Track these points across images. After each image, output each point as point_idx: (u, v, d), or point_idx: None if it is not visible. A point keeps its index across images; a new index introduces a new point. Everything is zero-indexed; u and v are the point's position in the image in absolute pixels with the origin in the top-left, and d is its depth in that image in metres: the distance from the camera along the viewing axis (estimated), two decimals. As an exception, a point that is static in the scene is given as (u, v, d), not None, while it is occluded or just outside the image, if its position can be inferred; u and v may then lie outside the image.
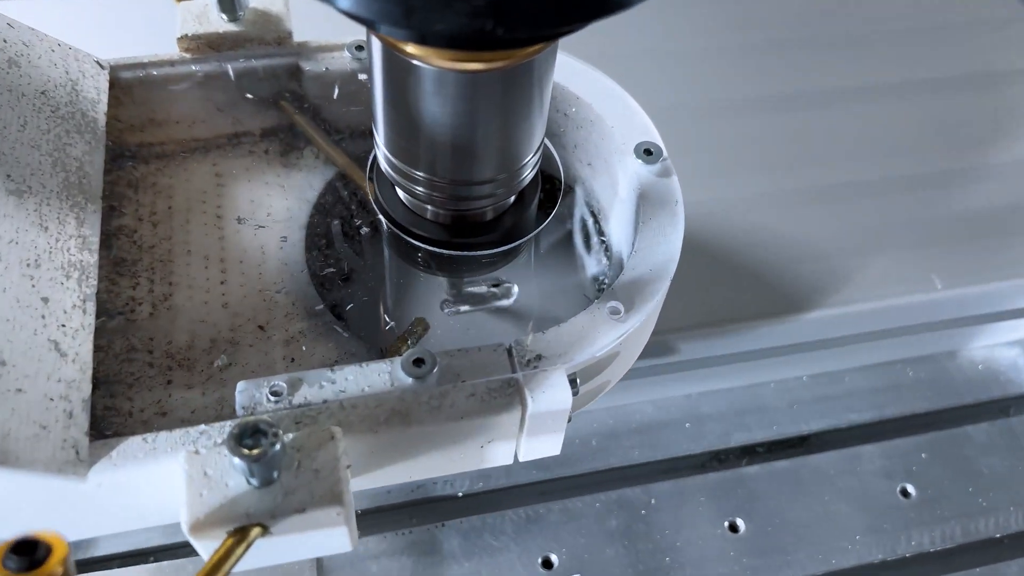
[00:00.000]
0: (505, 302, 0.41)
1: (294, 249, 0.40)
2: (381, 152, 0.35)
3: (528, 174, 0.36)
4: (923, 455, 0.53)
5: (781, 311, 0.50)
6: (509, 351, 0.33)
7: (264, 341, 0.36)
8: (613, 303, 0.34)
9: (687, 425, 0.54)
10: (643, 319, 0.35)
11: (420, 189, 0.35)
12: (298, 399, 0.30)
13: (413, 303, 0.42)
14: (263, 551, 0.28)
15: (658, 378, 0.52)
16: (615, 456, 0.52)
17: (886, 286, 0.51)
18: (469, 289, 0.41)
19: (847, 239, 0.53)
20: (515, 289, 0.41)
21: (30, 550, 0.21)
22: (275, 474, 0.27)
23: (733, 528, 0.50)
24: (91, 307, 0.32)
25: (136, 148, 0.42)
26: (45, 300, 0.30)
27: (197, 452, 0.28)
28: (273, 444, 0.26)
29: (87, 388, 0.30)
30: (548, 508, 0.49)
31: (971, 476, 0.52)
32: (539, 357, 0.33)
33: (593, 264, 0.43)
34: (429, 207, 0.37)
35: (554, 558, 0.48)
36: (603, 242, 0.44)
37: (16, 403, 0.27)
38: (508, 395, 0.31)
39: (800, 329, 0.51)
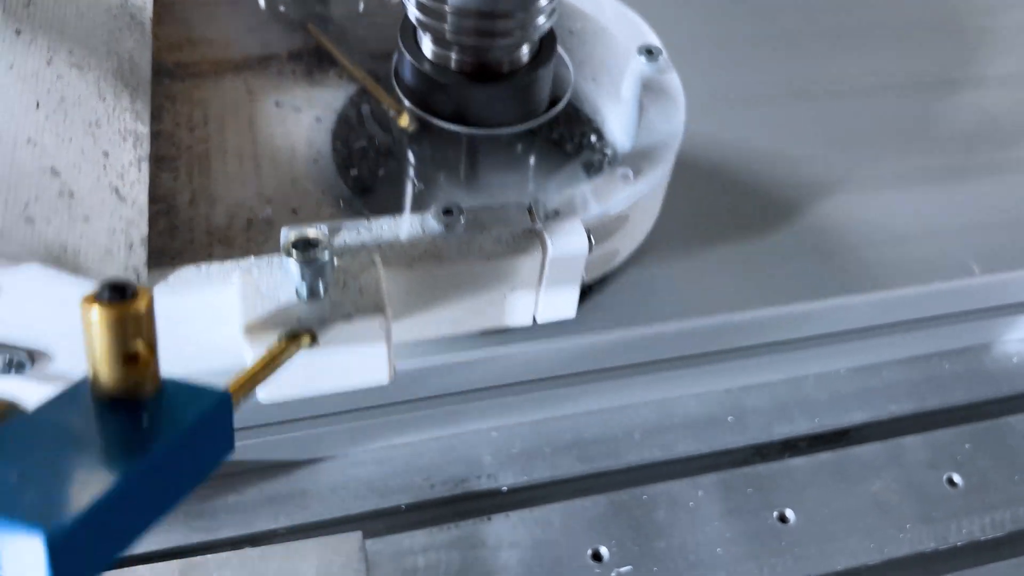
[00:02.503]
0: None
1: (323, 144, 0.44)
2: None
3: (545, 21, 0.41)
4: (967, 445, 0.53)
5: (819, 295, 0.50)
6: (529, 208, 0.37)
7: (297, 223, 0.38)
8: (623, 169, 0.39)
9: (730, 419, 0.53)
10: (652, 184, 0.39)
11: (447, 26, 0.39)
12: (338, 242, 0.34)
13: (434, 197, 0.45)
14: (309, 370, 0.30)
15: (699, 370, 0.52)
16: (659, 450, 0.51)
17: (923, 272, 0.51)
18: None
19: (882, 225, 0.53)
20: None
21: (121, 292, 0.22)
22: (322, 289, 0.30)
23: (783, 519, 0.49)
24: (145, 167, 0.35)
25: (173, 67, 0.46)
26: (106, 154, 0.33)
27: (251, 272, 0.31)
28: (323, 252, 0.29)
29: (144, 228, 0.32)
30: (595, 501, 0.48)
31: (1017, 465, 0.52)
32: (556, 212, 0.37)
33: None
34: (453, 56, 0.41)
35: (604, 551, 0.46)
36: (605, 154, 0.47)
37: (84, 230, 0.30)
38: (530, 240, 0.35)
39: (838, 314, 0.51)
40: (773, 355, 0.53)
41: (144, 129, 0.36)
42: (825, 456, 0.52)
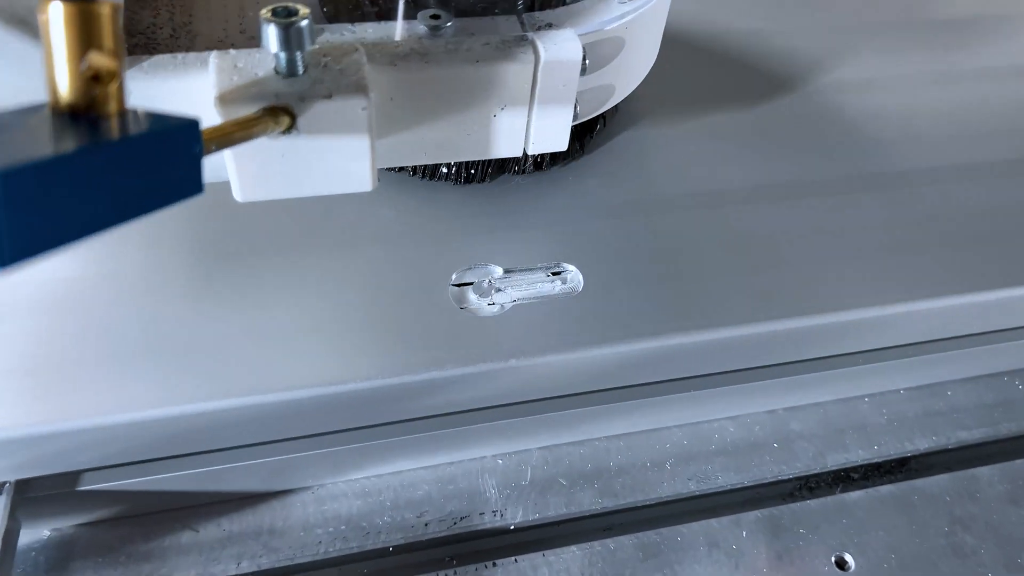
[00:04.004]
0: None
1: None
2: None
3: None
4: (1052, 478, 0.45)
5: (873, 302, 0.43)
6: (519, 16, 0.36)
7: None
8: None
9: (775, 445, 0.46)
10: (648, 7, 0.38)
11: None
12: (321, 39, 0.33)
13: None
14: (287, 165, 0.30)
15: (738, 389, 0.45)
16: (694, 481, 0.44)
17: (983, 278, 0.44)
18: None
19: (941, 229, 0.46)
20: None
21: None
22: (301, 65, 0.29)
23: (841, 564, 0.41)
24: None
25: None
26: None
27: (227, 53, 0.30)
28: (303, 21, 0.28)
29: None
30: (619, 543, 0.41)
31: (1112, 501, 0.44)
32: (549, 25, 0.36)
33: None
34: None
35: (631, 604, 0.39)
36: None
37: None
38: (521, 46, 0.33)
39: (897, 324, 0.43)
40: (822, 372, 0.46)
41: None
42: (886, 490, 0.45)
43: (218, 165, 0.31)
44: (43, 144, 0.20)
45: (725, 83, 0.55)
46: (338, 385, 0.36)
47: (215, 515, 0.40)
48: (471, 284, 0.40)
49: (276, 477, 0.40)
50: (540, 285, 0.40)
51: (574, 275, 0.41)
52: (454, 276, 0.40)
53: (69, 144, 0.20)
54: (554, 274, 0.41)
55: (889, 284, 0.42)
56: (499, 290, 0.40)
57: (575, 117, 0.37)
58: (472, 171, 0.44)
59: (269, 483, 0.41)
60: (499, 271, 0.40)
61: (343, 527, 0.40)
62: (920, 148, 0.51)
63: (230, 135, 0.26)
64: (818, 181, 0.48)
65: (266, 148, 0.30)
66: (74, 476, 0.37)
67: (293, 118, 0.29)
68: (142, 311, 0.37)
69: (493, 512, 0.41)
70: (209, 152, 0.24)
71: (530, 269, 0.41)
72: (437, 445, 0.42)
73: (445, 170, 0.44)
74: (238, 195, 0.32)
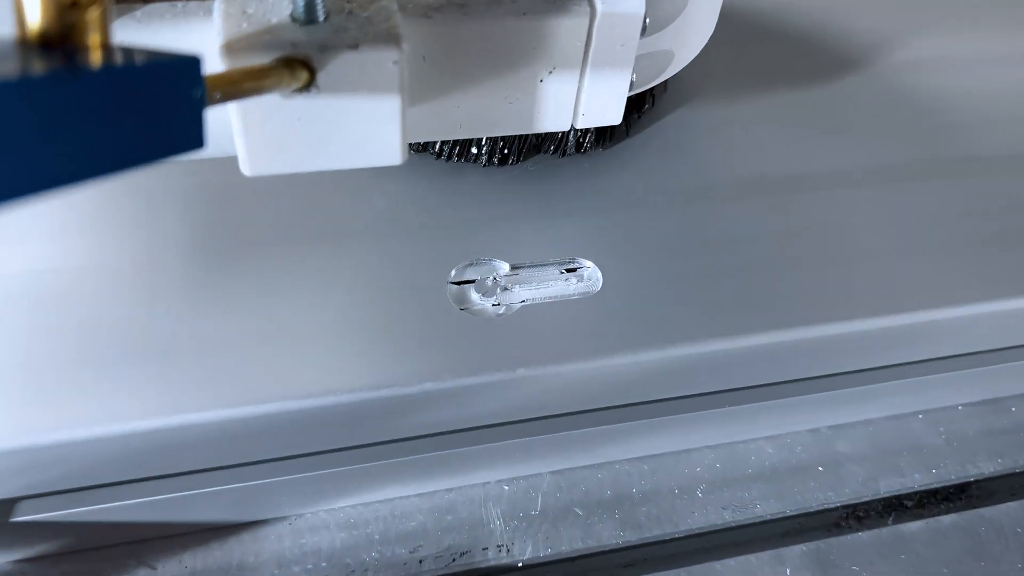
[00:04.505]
0: None
1: None
2: None
3: None
4: None
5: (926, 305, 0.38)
6: None
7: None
8: None
9: (820, 468, 0.40)
10: None
11: None
12: None
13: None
14: (305, 131, 0.26)
15: (777, 404, 0.39)
16: (729, 511, 0.38)
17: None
18: None
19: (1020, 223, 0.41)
20: None
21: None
22: (322, 14, 0.26)
23: (902, 609, 0.36)
24: None
25: None
26: None
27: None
28: None
29: None
30: (644, 583, 0.35)
31: None
32: None
33: None
34: None
35: (660, 655, 0.33)
36: None
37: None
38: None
39: (962, 329, 0.38)
40: (871, 384, 0.41)
41: None
42: (948, 520, 0.39)
43: (220, 135, 0.26)
44: (5, 68, 0.17)
45: (785, 61, 0.50)
46: (318, 398, 0.31)
47: (176, 550, 0.35)
48: (472, 282, 0.35)
49: (246, 506, 0.35)
50: (552, 283, 0.35)
51: (592, 271, 0.36)
52: (453, 272, 0.35)
53: (36, 69, 0.17)
54: (568, 270, 0.36)
55: (954, 283, 0.37)
56: (505, 289, 0.35)
57: (631, 86, 0.33)
58: (506, 151, 0.40)
59: (238, 513, 0.36)
60: (505, 267, 0.35)
61: (324, 564, 0.35)
62: (999, 133, 0.46)
63: (238, 84, 0.22)
64: (881, 167, 0.43)
65: (280, 109, 0.25)
66: (8, 505, 0.32)
67: (312, 73, 0.25)
68: (88, 310, 0.32)
69: (498, 547, 0.36)
70: (213, 102, 0.21)
71: (541, 265, 0.36)
72: (433, 469, 0.37)
73: (476, 150, 0.39)
74: (246, 167, 0.27)
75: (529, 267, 0.35)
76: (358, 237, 0.36)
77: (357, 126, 0.27)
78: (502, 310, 0.34)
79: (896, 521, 0.40)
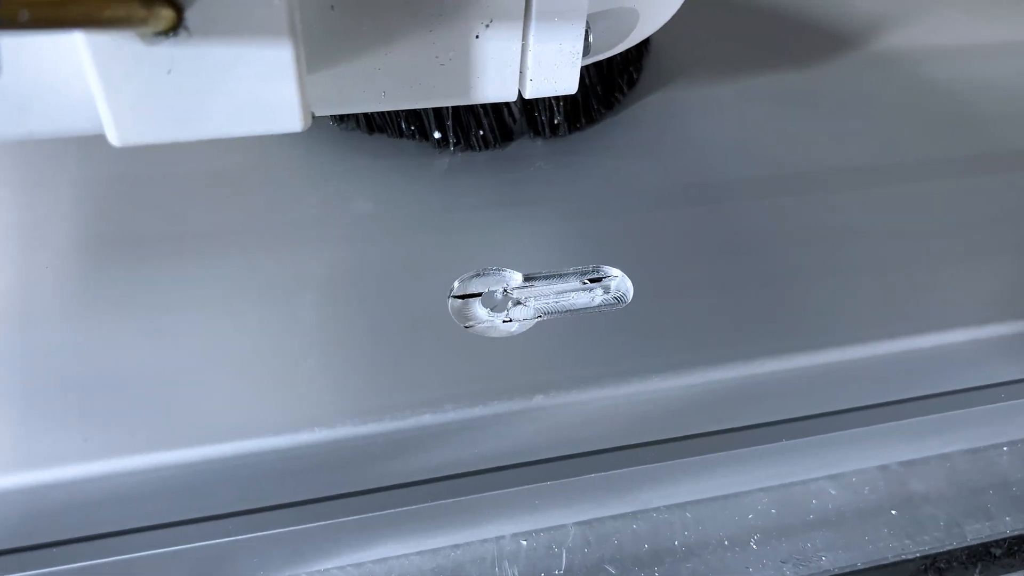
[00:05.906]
0: None
1: None
2: None
3: None
4: None
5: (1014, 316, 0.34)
6: None
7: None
8: None
9: (892, 512, 0.35)
10: None
11: None
12: None
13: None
14: (177, 87, 0.22)
15: (838, 437, 0.34)
16: (790, 564, 0.33)
17: None
18: None
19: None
20: None
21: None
22: None
23: None
24: None
25: None
26: None
27: None
28: None
29: None
30: (693, 656, 0.30)
31: None
32: None
33: None
34: None
35: None
36: None
37: None
38: None
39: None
40: (948, 412, 0.36)
41: None
42: (1049, 572, 0.33)
43: (88, 102, 0.22)
44: None
45: (778, 39, 0.48)
46: (292, 434, 0.26)
47: (126, 626, 0.30)
48: (479, 295, 0.30)
49: (208, 569, 0.30)
50: (574, 295, 0.30)
51: (620, 281, 0.30)
52: (455, 285, 0.30)
53: None
54: (592, 280, 0.30)
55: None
56: (518, 302, 0.30)
57: (587, 49, 0.30)
58: (481, 132, 0.36)
59: (203, 578, 0.31)
60: (517, 277, 0.30)
61: (305, 640, 0.30)
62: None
63: (62, 7, 0.17)
64: (918, 163, 0.38)
65: (145, 60, 0.21)
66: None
67: (179, 12, 0.21)
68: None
69: (508, 605, 0.31)
70: (17, 25, 0.16)
71: (559, 275, 0.31)
72: (436, 521, 0.32)
73: (439, 134, 0.36)
74: (113, 136, 0.23)
75: (545, 277, 0.30)
76: (334, 241, 0.32)
77: (242, 81, 0.23)
78: (515, 327, 0.29)
79: (983, 573, 0.35)
